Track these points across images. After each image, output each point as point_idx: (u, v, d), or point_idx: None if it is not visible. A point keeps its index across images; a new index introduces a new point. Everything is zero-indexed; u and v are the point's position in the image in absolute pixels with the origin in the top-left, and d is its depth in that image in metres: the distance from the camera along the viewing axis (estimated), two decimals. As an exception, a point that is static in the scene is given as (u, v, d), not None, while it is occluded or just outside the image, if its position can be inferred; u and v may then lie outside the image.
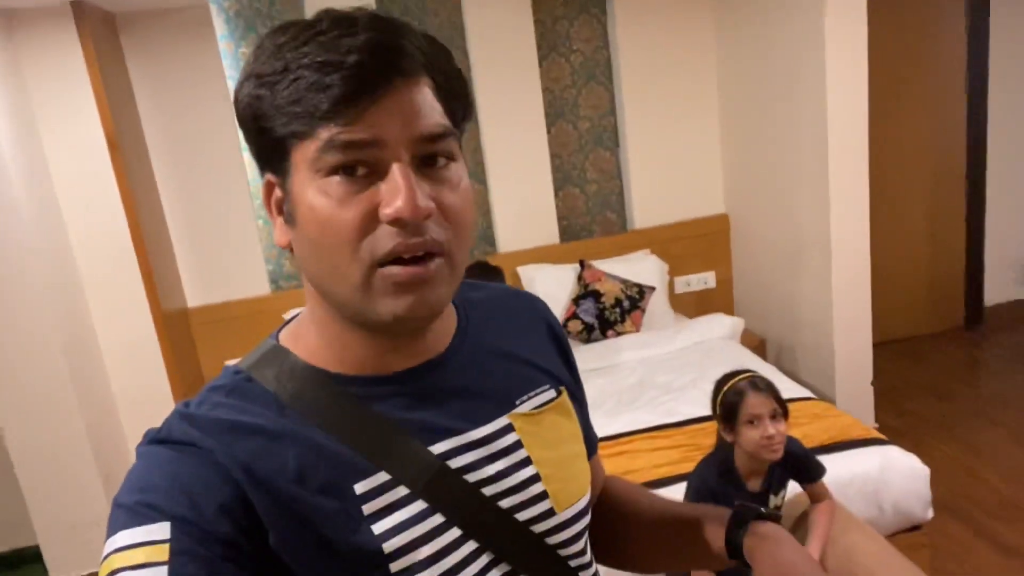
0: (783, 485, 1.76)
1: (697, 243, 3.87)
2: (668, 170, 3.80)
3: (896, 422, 3.42)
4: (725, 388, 1.69)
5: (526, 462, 0.67)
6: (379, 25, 0.55)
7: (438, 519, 0.61)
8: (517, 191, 3.66)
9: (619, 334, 3.32)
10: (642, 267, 3.55)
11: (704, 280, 3.89)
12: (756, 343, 3.58)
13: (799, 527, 1.80)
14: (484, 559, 0.63)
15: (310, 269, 0.60)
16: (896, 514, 2.06)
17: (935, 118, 4.00)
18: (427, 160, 0.57)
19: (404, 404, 0.63)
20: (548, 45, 3.62)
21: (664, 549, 0.82)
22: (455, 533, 0.61)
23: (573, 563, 0.69)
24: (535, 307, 0.81)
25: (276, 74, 0.55)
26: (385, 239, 0.55)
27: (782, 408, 1.64)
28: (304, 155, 0.56)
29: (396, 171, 0.55)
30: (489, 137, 3.57)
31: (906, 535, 2.09)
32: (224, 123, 3.28)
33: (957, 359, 4.08)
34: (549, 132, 3.68)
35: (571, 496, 0.69)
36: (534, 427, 0.69)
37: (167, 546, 0.53)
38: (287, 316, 3.35)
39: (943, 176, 4.10)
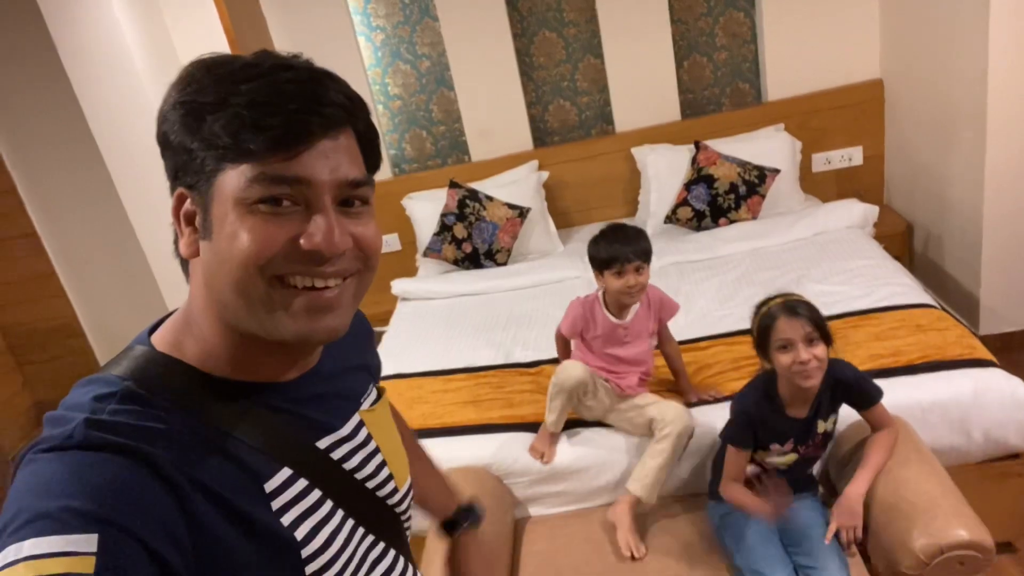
0: (833, 411, 1.68)
1: (843, 114, 3.43)
2: (812, 30, 3.33)
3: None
4: (759, 312, 1.66)
5: (376, 451, 0.78)
6: (315, 75, 0.62)
7: (329, 504, 0.70)
8: (634, 63, 3.43)
9: (732, 222, 3.13)
10: (769, 146, 3.25)
11: (848, 157, 3.49)
12: (902, 229, 3.24)
13: (857, 455, 1.72)
14: (360, 532, 0.74)
15: (217, 283, 0.62)
16: (987, 442, 1.88)
17: None
18: (345, 202, 0.64)
19: (295, 408, 0.70)
20: None
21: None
22: (340, 514, 0.71)
23: (407, 526, 0.85)
24: (364, 320, 0.90)
25: (213, 105, 0.58)
26: (299, 267, 0.61)
27: (820, 333, 1.56)
28: (232, 182, 0.59)
29: (319, 214, 0.61)
30: (604, 6, 3.34)
31: (999, 463, 1.92)
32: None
33: None
34: (671, -6, 3.36)
35: (404, 474, 0.84)
36: (375, 420, 0.80)
37: (93, 560, 0.48)
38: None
39: None
